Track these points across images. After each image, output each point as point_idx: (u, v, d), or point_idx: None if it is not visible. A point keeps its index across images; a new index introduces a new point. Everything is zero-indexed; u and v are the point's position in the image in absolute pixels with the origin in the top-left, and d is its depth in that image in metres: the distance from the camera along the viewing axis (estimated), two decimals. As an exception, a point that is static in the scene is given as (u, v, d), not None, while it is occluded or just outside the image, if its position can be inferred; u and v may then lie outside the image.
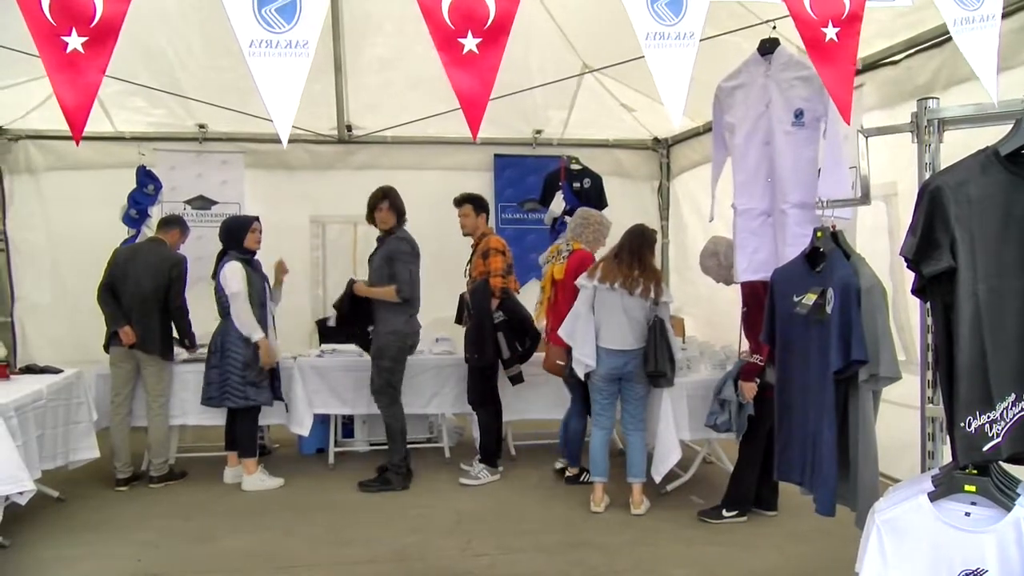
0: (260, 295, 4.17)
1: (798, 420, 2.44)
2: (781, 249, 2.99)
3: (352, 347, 4.86)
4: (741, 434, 3.64)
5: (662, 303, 3.73)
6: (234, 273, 4.08)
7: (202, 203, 5.68)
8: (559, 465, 4.50)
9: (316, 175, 5.92)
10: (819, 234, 2.44)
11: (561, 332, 3.92)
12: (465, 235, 4.48)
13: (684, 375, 4.04)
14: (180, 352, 4.45)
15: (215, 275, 4.21)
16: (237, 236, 4.19)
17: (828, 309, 2.30)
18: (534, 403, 4.82)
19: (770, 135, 3.00)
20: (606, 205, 5.39)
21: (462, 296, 4.75)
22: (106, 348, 4.28)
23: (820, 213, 2.49)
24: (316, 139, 5.83)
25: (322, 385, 4.63)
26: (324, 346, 4.86)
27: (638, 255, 3.76)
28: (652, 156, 6.48)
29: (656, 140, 6.40)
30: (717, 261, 3.74)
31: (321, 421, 4.77)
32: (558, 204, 5.24)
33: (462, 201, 4.43)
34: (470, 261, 4.46)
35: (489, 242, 4.33)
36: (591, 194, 5.37)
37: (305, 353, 4.82)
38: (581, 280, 3.89)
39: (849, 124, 2.21)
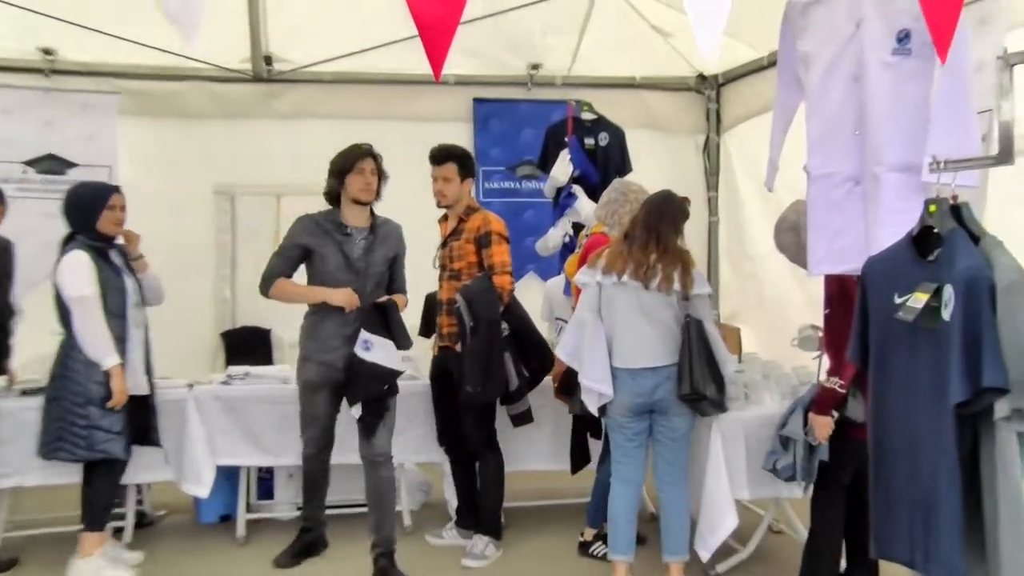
0: (119, 300, 3.96)
1: (903, 474, 2.43)
2: (874, 231, 2.97)
3: (275, 371, 4.79)
4: (809, 484, 3.63)
5: (695, 296, 3.69)
6: (76, 268, 3.83)
7: (53, 165, 5.53)
8: (587, 538, 4.45)
9: (223, 127, 5.91)
10: (932, 208, 2.43)
11: (560, 351, 3.90)
12: (442, 207, 4.39)
13: (741, 407, 3.99)
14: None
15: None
16: (86, 214, 3.94)
17: (946, 315, 2.28)
18: (529, 449, 4.77)
19: (862, 68, 2.98)
20: (631, 170, 5.39)
21: (429, 297, 4.67)
22: None
23: (935, 179, 2.44)
24: (222, 76, 5.80)
25: (230, 425, 4.58)
26: (232, 368, 4.82)
27: (655, 232, 3.72)
28: (696, 100, 6.49)
29: (702, 78, 6.41)
30: (797, 237, 3.64)
31: (227, 476, 4.72)
32: (564, 168, 5.22)
33: (443, 158, 4.29)
34: (444, 245, 4.38)
35: (490, 223, 4.26)
36: (611, 154, 5.37)
37: (205, 379, 4.75)
38: (581, 276, 3.85)
39: (944, 59, 2.14)
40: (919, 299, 2.34)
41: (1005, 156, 2.33)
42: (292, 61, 5.81)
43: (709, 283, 6.48)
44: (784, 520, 4.55)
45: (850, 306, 3.31)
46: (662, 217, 3.74)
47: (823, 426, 3.45)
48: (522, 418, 4.33)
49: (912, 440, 2.37)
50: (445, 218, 4.43)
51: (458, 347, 4.23)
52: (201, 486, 4.46)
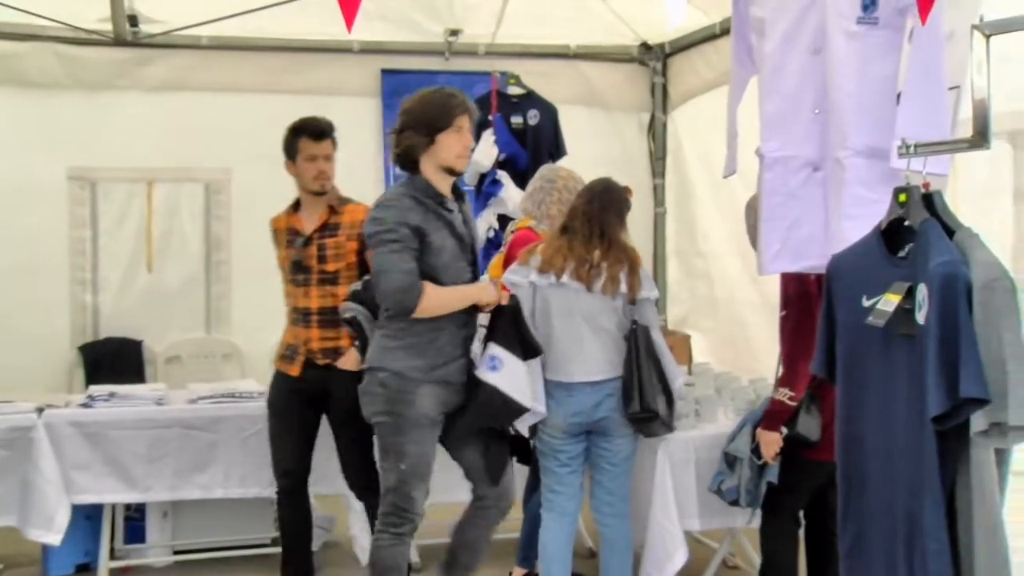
0: None
1: (877, 497, 2.45)
2: (837, 223, 3.02)
3: (147, 391, 4.71)
4: (756, 510, 3.68)
5: (642, 300, 3.71)
6: None
7: None
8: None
9: (77, 99, 5.77)
10: (902, 197, 2.45)
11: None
12: (316, 193, 4.11)
13: (691, 426, 4.03)
14: None
15: None
16: None
17: (919, 317, 2.30)
18: (447, 477, 4.73)
19: (823, 39, 3.02)
20: (564, 153, 5.41)
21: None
22: None
23: (904, 165, 2.48)
24: (75, 37, 5.63)
25: (91, 455, 4.45)
26: (94, 388, 4.72)
27: (599, 226, 3.73)
28: (640, 73, 6.55)
29: (646, 47, 6.46)
30: None
31: (86, 517, 4.60)
32: (487, 151, 5.21)
33: (324, 132, 4.13)
34: (308, 242, 4.07)
35: (356, 213, 4.09)
36: (542, 135, 5.39)
37: (59, 401, 4.62)
38: (511, 275, 3.82)
39: (925, 20, 2.18)
40: (890, 301, 2.36)
41: (980, 139, 2.37)
42: (163, 22, 5.66)
43: (656, 284, 6.63)
44: (740, 553, 4.62)
45: (809, 308, 3.38)
46: (605, 207, 3.76)
47: (770, 443, 3.51)
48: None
49: (888, 462, 2.39)
50: (295, 207, 4.18)
51: (343, 365, 3.97)
52: (52, 532, 4.31)
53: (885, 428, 2.42)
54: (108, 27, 5.61)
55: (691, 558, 3.92)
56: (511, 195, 5.04)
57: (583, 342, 3.70)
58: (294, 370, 4.08)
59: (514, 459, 4.22)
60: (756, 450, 3.59)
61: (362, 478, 4.11)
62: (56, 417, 4.40)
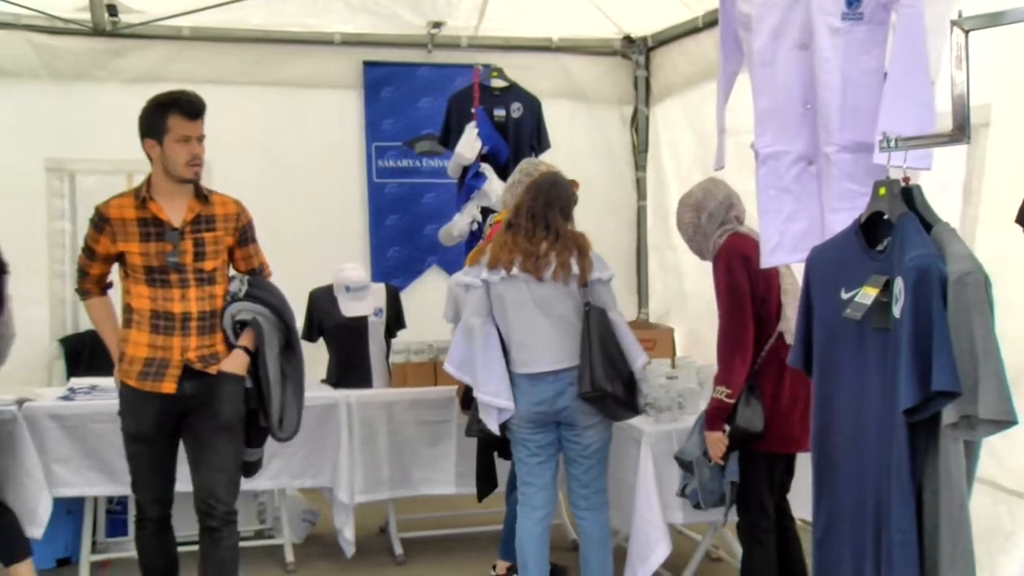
0: None
1: (849, 488, 2.46)
2: (827, 217, 3.04)
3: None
4: (721, 509, 3.69)
5: (594, 281, 3.74)
6: None
7: None
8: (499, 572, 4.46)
9: (54, 90, 5.75)
10: (882, 191, 2.46)
11: (448, 365, 3.91)
12: (186, 180, 3.51)
13: (672, 419, 4.05)
14: None
15: None
16: None
17: (896, 311, 2.31)
18: (432, 471, 4.80)
19: (808, 34, 3.03)
20: (548, 146, 5.43)
21: (315, 294, 4.62)
22: None
23: (885, 159, 2.50)
24: (51, 27, 5.61)
25: (72, 448, 4.46)
26: (75, 381, 4.75)
27: (543, 219, 3.76)
28: (622, 66, 6.57)
29: (629, 40, 6.48)
30: (696, 217, 3.73)
31: (67, 511, 4.62)
32: (470, 144, 5.22)
33: (200, 110, 3.52)
34: (182, 238, 3.51)
35: (246, 210, 3.69)
36: (524, 128, 5.39)
37: (35, 394, 4.62)
38: (463, 276, 3.88)
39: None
40: (868, 294, 2.37)
41: (959, 133, 2.40)
42: (143, 12, 5.65)
43: (638, 277, 6.64)
44: (723, 546, 4.66)
45: (739, 304, 3.42)
46: (550, 203, 3.77)
47: (715, 443, 3.53)
48: (257, 467, 3.82)
49: (859, 453, 2.40)
50: (140, 194, 3.51)
51: (232, 368, 3.51)
52: (34, 525, 4.30)
53: (857, 420, 2.43)
54: (86, 16, 5.59)
55: (675, 551, 3.95)
56: (494, 188, 5.04)
57: (539, 332, 3.73)
58: (167, 386, 3.44)
59: (496, 453, 4.28)
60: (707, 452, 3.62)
61: (223, 491, 3.58)
62: (36, 410, 4.40)
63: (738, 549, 4.38)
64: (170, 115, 3.43)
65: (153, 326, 3.47)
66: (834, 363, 2.52)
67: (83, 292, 3.65)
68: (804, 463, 3.67)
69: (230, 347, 3.54)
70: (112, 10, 5.59)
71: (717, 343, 3.55)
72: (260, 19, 5.68)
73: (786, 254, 3.16)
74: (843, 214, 2.81)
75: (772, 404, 3.46)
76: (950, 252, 2.29)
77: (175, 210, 3.50)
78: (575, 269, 3.68)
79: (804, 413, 3.44)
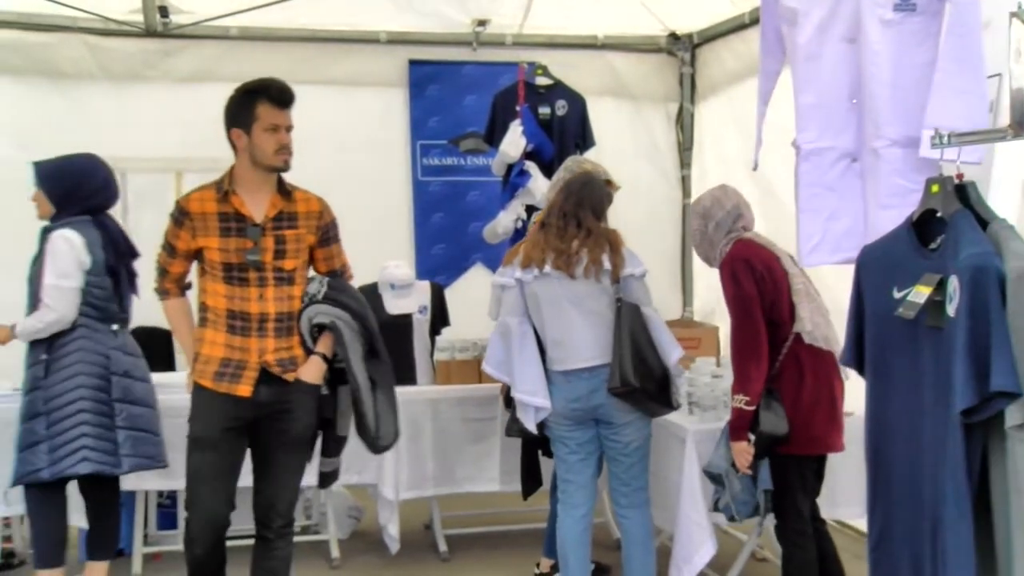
0: None
1: (904, 490, 2.45)
2: (874, 214, 3.02)
3: (179, 379, 4.70)
4: (757, 518, 3.66)
5: (626, 277, 3.72)
6: None
7: None
8: (543, 570, 4.47)
9: (110, 90, 5.83)
10: (934, 188, 2.44)
11: (486, 365, 3.93)
12: (275, 170, 3.38)
13: (717, 418, 4.02)
14: None
15: None
16: None
17: (950, 310, 2.30)
18: (477, 468, 4.81)
19: (858, 28, 3.01)
20: (593, 144, 5.41)
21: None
22: None
23: (937, 155, 2.48)
24: (105, 28, 5.69)
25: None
26: None
27: (574, 217, 3.76)
28: (668, 64, 6.54)
29: (675, 37, 6.45)
30: (704, 225, 3.71)
31: (121, 504, 4.50)
32: (515, 142, 5.21)
33: (290, 98, 3.43)
34: (263, 234, 3.36)
35: (329, 207, 3.55)
36: (569, 125, 5.38)
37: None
38: (499, 277, 3.91)
39: None
40: (921, 293, 2.35)
41: (1019, 128, 2.36)
42: (193, 13, 5.70)
43: (683, 276, 6.61)
44: (768, 546, 4.61)
45: (748, 311, 3.38)
46: (581, 203, 3.77)
47: (741, 453, 3.49)
48: (333, 477, 3.73)
49: (914, 457, 2.38)
50: (222, 187, 3.36)
51: (308, 377, 3.38)
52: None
53: (911, 419, 2.41)
54: (139, 18, 5.67)
55: (720, 551, 3.92)
56: (539, 186, 5.04)
57: (574, 328, 3.72)
58: (243, 389, 3.28)
59: (540, 452, 4.28)
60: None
61: (284, 506, 3.46)
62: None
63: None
64: (259, 103, 3.32)
65: (229, 326, 3.32)
66: (887, 363, 2.51)
67: (162, 292, 3.50)
68: (833, 466, 3.68)
69: (307, 352, 3.39)
70: (163, 11, 5.67)
71: (731, 351, 3.53)
72: (307, 19, 5.71)
73: (827, 254, 3.14)
74: (893, 211, 2.79)
75: (794, 406, 3.42)
76: (1009, 250, 2.27)
77: (257, 205, 3.34)
78: (607, 265, 3.67)
79: (828, 413, 3.45)
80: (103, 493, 4.05)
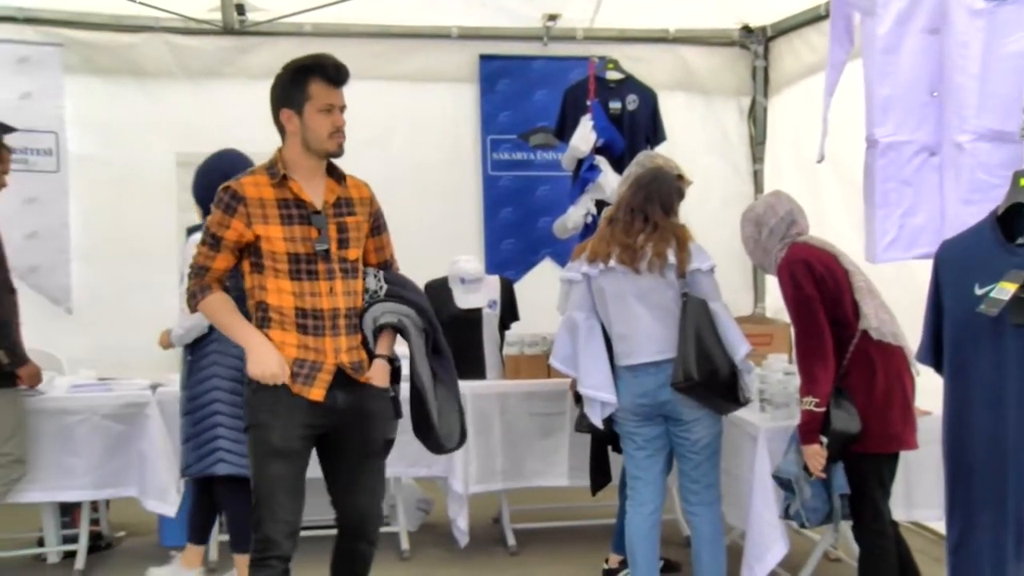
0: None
1: (986, 491, 2.42)
2: (955, 210, 2.96)
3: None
4: (831, 524, 3.60)
5: (692, 271, 3.69)
6: None
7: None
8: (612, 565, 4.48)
9: (187, 87, 5.96)
10: (1022, 181, 2.42)
11: (553, 360, 3.95)
12: (330, 154, 3.12)
13: (789, 416, 3.99)
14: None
15: None
16: None
17: None
18: (545, 463, 4.83)
19: (943, 19, 2.95)
20: (664, 138, 5.41)
21: (429, 287, 4.69)
22: None
23: None
24: (185, 27, 5.83)
25: (198, 432, 4.58)
26: None
27: (641, 211, 3.75)
28: (740, 57, 6.51)
29: (747, 30, 6.42)
30: (757, 232, 3.67)
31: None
32: (585, 137, 5.22)
33: (344, 76, 3.13)
34: (325, 220, 3.11)
35: (361, 188, 3.27)
36: (640, 120, 5.38)
37: (168, 379, 4.74)
38: (566, 272, 3.93)
39: None
40: (1005, 289, 2.33)
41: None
42: (268, 11, 5.80)
43: (755, 272, 6.55)
44: (842, 546, 4.56)
45: (810, 311, 3.33)
46: (649, 198, 3.76)
47: (812, 456, 3.44)
48: None
49: (997, 454, 2.35)
50: (274, 169, 3.05)
51: (377, 380, 3.17)
52: (167, 503, 4.48)
53: (994, 419, 2.38)
54: (217, 16, 5.81)
55: (792, 550, 3.89)
56: (609, 180, 5.03)
57: (639, 323, 3.72)
58: (315, 393, 3.02)
59: (609, 447, 4.28)
60: (808, 467, 3.52)
61: (378, 511, 3.32)
62: (168, 395, 4.54)
63: (856, 550, 4.30)
64: (312, 81, 3.00)
65: (300, 326, 3.02)
66: (968, 361, 2.47)
67: (201, 291, 3.06)
68: (910, 467, 3.62)
69: (369, 353, 3.15)
70: (240, 9, 5.79)
71: (796, 354, 3.49)
72: (378, 15, 5.78)
73: (902, 250, 3.10)
74: (976, 206, 2.74)
75: (866, 403, 3.37)
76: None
77: (313, 191, 3.06)
78: (672, 259, 3.66)
79: (903, 409, 3.40)
80: (240, 493, 3.84)
